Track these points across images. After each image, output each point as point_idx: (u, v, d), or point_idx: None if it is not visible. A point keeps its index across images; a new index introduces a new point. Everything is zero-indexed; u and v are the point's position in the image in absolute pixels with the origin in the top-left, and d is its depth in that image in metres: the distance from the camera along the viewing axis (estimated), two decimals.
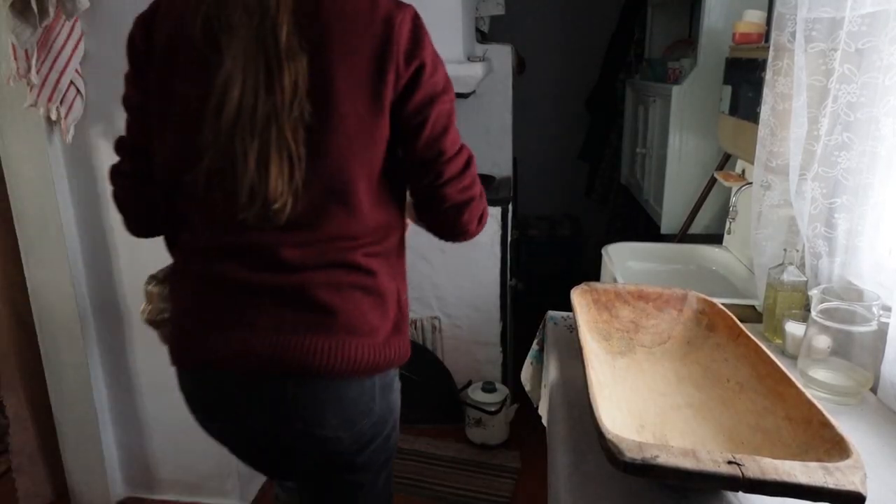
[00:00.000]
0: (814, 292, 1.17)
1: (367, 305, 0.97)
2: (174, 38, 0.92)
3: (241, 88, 0.85)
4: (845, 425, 0.86)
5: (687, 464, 0.73)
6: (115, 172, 1.08)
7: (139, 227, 1.14)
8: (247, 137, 0.86)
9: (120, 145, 1.07)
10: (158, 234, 1.14)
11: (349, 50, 0.89)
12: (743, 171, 1.93)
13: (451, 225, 1.04)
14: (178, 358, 1.02)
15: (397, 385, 1.11)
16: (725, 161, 2.12)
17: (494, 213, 2.44)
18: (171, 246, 1.07)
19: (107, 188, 1.88)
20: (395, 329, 1.01)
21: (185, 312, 1.01)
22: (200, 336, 0.96)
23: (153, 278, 1.33)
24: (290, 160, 0.87)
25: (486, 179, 2.74)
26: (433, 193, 0.99)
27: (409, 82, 0.93)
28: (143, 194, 1.05)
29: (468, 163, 1.01)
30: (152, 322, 1.31)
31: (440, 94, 0.97)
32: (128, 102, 1.02)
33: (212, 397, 1.01)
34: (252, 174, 0.86)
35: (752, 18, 1.76)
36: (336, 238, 0.94)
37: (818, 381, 1.11)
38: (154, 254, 1.90)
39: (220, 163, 0.88)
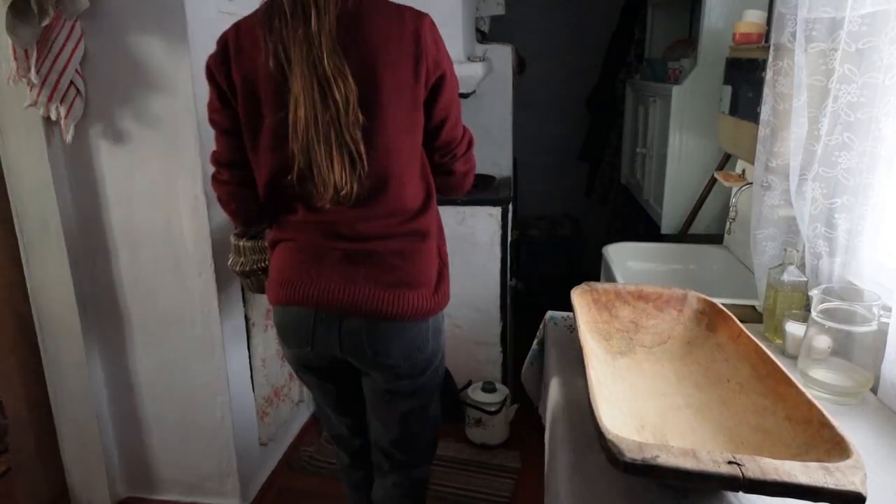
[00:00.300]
0: (814, 292, 1.17)
1: (421, 264, 1.28)
2: (254, 74, 1.17)
3: (305, 106, 1.11)
4: (845, 425, 0.86)
5: (687, 464, 0.73)
6: (215, 181, 1.34)
7: (240, 219, 1.41)
8: (316, 144, 1.13)
9: (215, 160, 1.32)
10: (259, 223, 1.42)
11: (391, 62, 1.16)
12: (743, 171, 1.93)
13: (456, 187, 1.40)
14: (277, 297, 1.30)
15: (445, 328, 1.42)
16: (725, 161, 2.12)
17: (494, 213, 2.44)
18: (274, 224, 1.33)
19: (107, 188, 1.90)
20: (440, 278, 1.33)
21: (288, 267, 1.29)
22: (297, 284, 1.26)
23: (243, 235, 1.66)
24: (351, 156, 1.14)
25: (486, 179, 2.74)
26: (447, 168, 1.34)
27: (436, 84, 1.22)
28: (240, 194, 1.32)
29: (470, 142, 1.37)
30: (244, 273, 1.65)
31: (456, 92, 1.28)
32: (218, 127, 1.28)
33: (300, 328, 1.30)
34: (323, 171, 1.14)
35: (753, 18, 1.76)
36: (394, 211, 1.24)
37: (818, 382, 1.11)
38: (154, 254, 1.91)
39: (305, 165, 1.15)
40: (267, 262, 1.59)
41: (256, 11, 1.19)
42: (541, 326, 1.49)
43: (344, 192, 1.15)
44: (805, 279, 1.31)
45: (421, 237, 1.27)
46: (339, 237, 1.24)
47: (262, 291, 1.68)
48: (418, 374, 1.35)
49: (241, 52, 1.18)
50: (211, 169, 1.34)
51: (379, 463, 1.51)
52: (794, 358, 1.21)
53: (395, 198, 1.23)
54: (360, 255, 1.24)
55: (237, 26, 1.22)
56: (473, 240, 2.46)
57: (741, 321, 1.13)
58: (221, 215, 1.92)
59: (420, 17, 1.19)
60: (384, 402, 1.40)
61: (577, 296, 1.24)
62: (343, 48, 1.12)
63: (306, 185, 1.18)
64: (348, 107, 1.11)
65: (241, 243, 1.64)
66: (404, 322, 1.26)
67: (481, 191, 2.59)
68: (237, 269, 1.66)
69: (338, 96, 1.10)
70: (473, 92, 2.43)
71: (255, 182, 1.28)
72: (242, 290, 2.09)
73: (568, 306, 1.25)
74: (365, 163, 1.15)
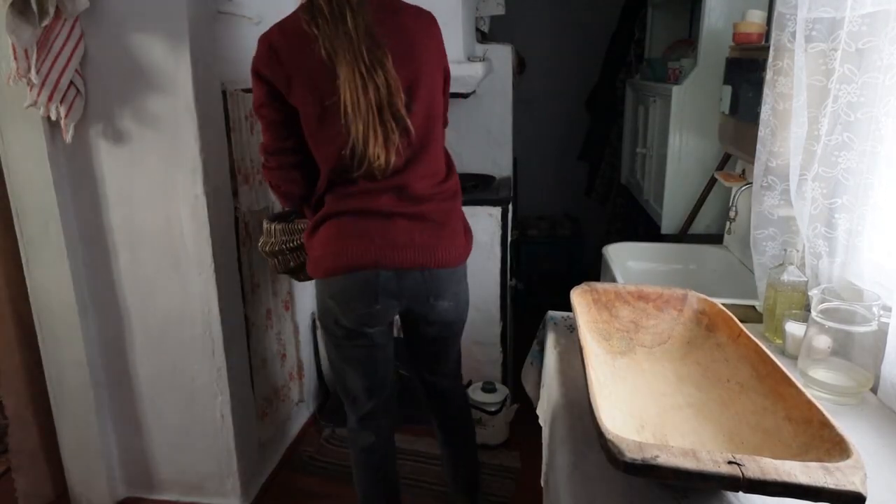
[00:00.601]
0: (814, 292, 1.17)
1: (455, 218, 1.55)
2: (306, 67, 1.35)
3: (349, 92, 1.31)
4: (845, 425, 0.86)
5: (687, 464, 0.73)
6: (265, 168, 1.52)
7: (289, 200, 1.59)
8: (356, 123, 1.33)
9: (263, 149, 1.50)
10: (305, 202, 1.57)
11: (425, 50, 1.43)
12: (743, 171, 1.93)
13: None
14: (336, 267, 1.46)
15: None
16: (725, 161, 2.12)
17: (494, 213, 2.44)
18: (327, 200, 1.48)
19: (107, 188, 1.90)
20: (466, 230, 1.61)
21: (345, 236, 1.45)
22: (358, 250, 1.44)
23: (275, 219, 1.79)
24: (386, 134, 1.35)
25: (486, 179, 2.74)
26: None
27: (445, 76, 1.53)
28: (289, 178, 1.51)
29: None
30: (272, 252, 1.77)
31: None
32: (265, 120, 1.45)
33: (366, 290, 1.47)
34: (370, 145, 1.34)
35: (753, 18, 1.76)
36: (433, 174, 1.49)
37: (818, 381, 1.11)
38: (154, 253, 1.91)
39: (357, 140, 1.34)
40: (296, 243, 1.73)
41: (296, 14, 1.38)
42: (541, 326, 1.49)
43: (378, 163, 1.36)
44: (805, 279, 1.31)
45: (452, 196, 1.54)
46: (392, 202, 1.45)
47: (287, 271, 1.80)
48: (463, 310, 1.66)
49: (291, 50, 1.36)
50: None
51: (435, 389, 1.80)
52: (794, 358, 1.21)
53: (433, 162, 1.49)
54: (412, 215, 1.46)
55: (281, 28, 1.40)
56: (473, 239, 2.45)
57: (741, 321, 1.13)
58: (221, 215, 1.93)
59: (431, 17, 1.46)
60: (434, 346, 1.70)
61: (577, 296, 1.24)
62: (384, 40, 1.33)
63: (360, 158, 1.36)
64: (389, 89, 1.33)
65: (272, 226, 1.76)
66: (453, 268, 1.54)
67: (481, 191, 2.59)
68: (266, 249, 1.78)
69: (378, 82, 1.32)
70: (473, 92, 2.42)
71: (301, 166, 1.48)
72: (242, 290, 2.09)
73: (568, 306, 1.25)
74: (412, 133, 1.39)
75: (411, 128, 1.38)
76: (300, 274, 1.83)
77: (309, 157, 1.47)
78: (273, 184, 1.54)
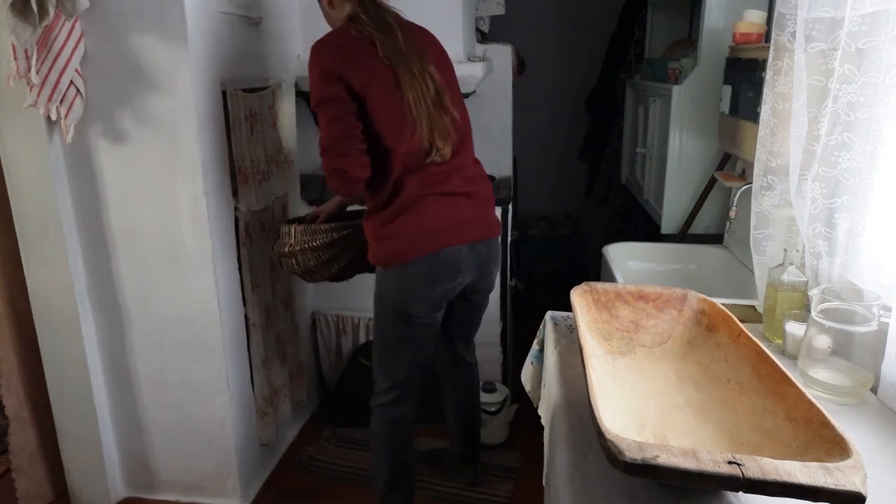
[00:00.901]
0: (814, 292, 1.17)
1: (492, 196, 1.82)
2: (373, 66, 1.58)
3: (410, 92, 1.59)
4: (845, 425, 0.86)
5: (687, 464, 0.73)
6: (336, 156, 1.60)
7: (357, 184, 1.66)
8: (420, 117, 1.60)
9: (335, 138, 1.60)
10: (361, 193, 1.72)
11: (447, 58, 1.77)
12: (743, 172, 1.94)
13: None
14: (429, 245, 1.65)
15: None
16: (725, 161, 2.12)
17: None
18: (387, 185, 1.66)
19: (107, 188, 1.90)
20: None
21: (431, 218, 1.65)
22: (445, 229, 1.66)
23: (293, 220, 1.95)
24: (444, 125, 1.64)
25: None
26: None
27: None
28: (362, 162, 1.61)
29: None
30: (292, 253, 1.88)
31: None
32: (338, 111, 1.58)
33: (454, 264, 1.69)
34: (426, 135, 1.62)
35: (753, 18, 1.76)
36: (475, 161, 1.79)
37: (818, 381, 1.11)
38: (154, 254, 1.91)
39: (422, 132, 1.61)
40: (318, 242, 1.86)
41: (344, 27, 1.64)
42: (541, 326, 1.49)
43: (449, 148, 1.64)
44: (805, 279, 1.31)
45: (486, 178, 1.82)
46: (457, 183, 1.68)
47: (305, 271, 1.92)
48: (495, 276, 1.90)
49: (356, 51, 1.58)
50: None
51: (463, 361, 2.05)
52: (794, 358, 1.21)
53: (471, 149, 1.79)
54: (470, 194, 1.71)
55: (337, 35, 1.63)
56: None
57: (741, 321, 1.13)
58: (221, 215, 1.93)
59: (433, 35, 1.77)
60: (476, 313, 1.95)
61: (577, 296, 1.24)
62: (424, 50, 1.64)
63: (428, 146, 1.62)
64: (438, 89, 1.63)
65: (292, 227, 1.88)
66: (497, 239, 1.82)
67: None
68: (285, 250, 1.88)
69: (430, 84, 1.61)
70: (473, 92, 2.42)
71: (368, 152, 1.61)
72: (242, 289, 2.09)
73: (568, 306, 1.25)
74: (458, 123, 1.68)
75: (458, 118, 1.68)
76: (316, 274, 1.95)
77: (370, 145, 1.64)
78: (341, 170, 1.60)
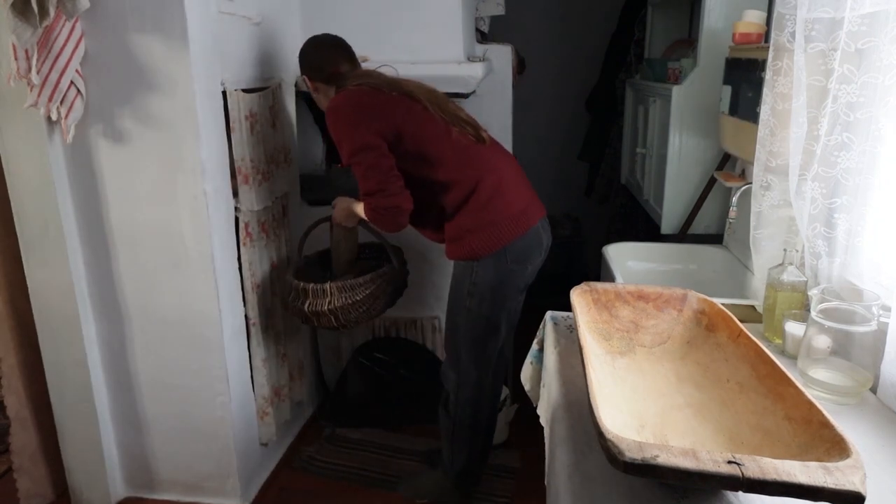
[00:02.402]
0: (814, 292, 1.17)
1: None
2: (391, 109, 1.80)
3: (423, 99, 1.85)
4: (845, 425, 0.86)
5: (687, 464, 0.73)
6: (390, 195, 1.76)
7: (405, 216, 1.81)
8: (443, 115, 1.85)
9: (386, 179, 1.76)
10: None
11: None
12: (743, 171, 1.94)
13: None
14: (518, 229, 1.81)
15: None
16: (725, 161, 2.12)
17: None
18: (445, 195, 1.84)
19: (107, 188, 1.90)
20: None
21: (508, 204, 1.82)
22: (524, 211, 1.84)
23: (304, 265, 2.13)
24: (459, 113, 1.90)
25: None
26: None
27: None
28: (407, 195, 1.79)
29: None
30: (332, 311, 1.97)
31: None
32: (371, 162, 1.75)
33: (538, 241, 1.88)
34: (454, 124, 1.86)
35: (752, 18, 1.76)
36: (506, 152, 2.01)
37: (818, 381, 1.11)
38: (154, 254, 1.91)
39: (460, 132, 1.87)
40: (360, 296, 1.99)
41: (366, 90, 1.83)
42: (541, 326, 1.49)
43: (479, 128, 1.90)
44: (805, 279, 1.31)
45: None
46: (508, 168, 1.89)
47: (340, 324, 2.03)
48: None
49: (388, 107, 1.81)
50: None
51: (504, 353, 2.12)
52: (793, 358, 1.22)
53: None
54: (522, 176, 1.93)
55: (354, 97, 1.82)
56: None
57: (741, 321, 1.13)
58: (221, 215, 1.93)
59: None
60: (522, 302, 2.04)
61: (577, 296, 1.24)
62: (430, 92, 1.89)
63: (461, 129, 1.85)
64: (433, 91, 1.89)
65: (328, 286, 1.97)
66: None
67: None
68: (325, 308, 1.96)
69: (427, 89, 1.88)
70: (473, 92, 2.42)
71: (402, 194, 1.76)
72: (242, 289, 2.09)
73: (568, 306, 1.25)
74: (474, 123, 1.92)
75: (474, 121, 1.93)
76: (354, 324, 2.05)
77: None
78: (394, 206, 1.76)
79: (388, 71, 1.97)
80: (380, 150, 1.74)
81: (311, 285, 1.98)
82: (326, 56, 1.91)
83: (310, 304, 1.97)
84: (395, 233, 1.88)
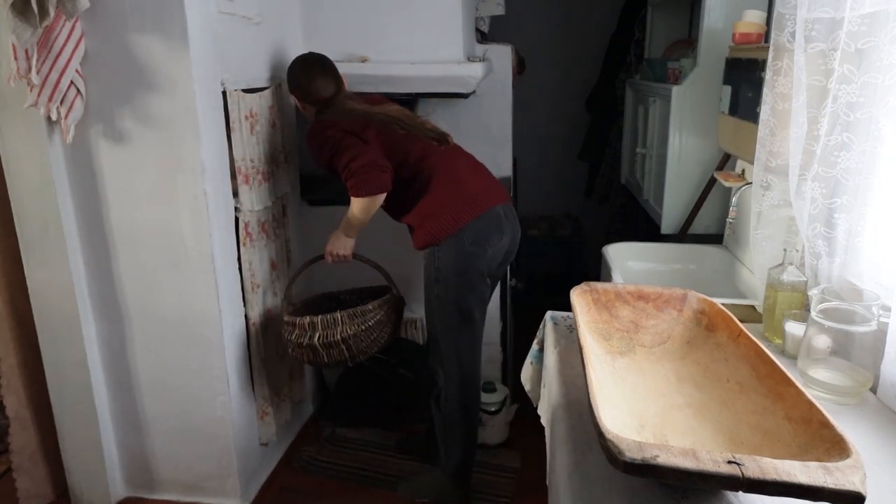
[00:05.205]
0: (814, 292, 1.17)
1: None
2: (358, 126, 1.92)
3: (402, 132, 1.96)
4: (845, 425, 0.86)
5: (687, 464, 0.73)
6: (389, 172, 1.87)
7: (388, 180, 1.88)
8: (401, 121, 1.96)
9: (378, 160, 1.86)
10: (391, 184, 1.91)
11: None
12: (743, 171, 1.94)
13: None
14: (475, 210, 1.89)
15: None
16: (725, 161, 2.12)
17: None
18: (405, 185, 1.94)
19: (107, 188, 1.90)
20: None
21: (465, 190, 1.92)
22: (481, 193, 1.93)
23: (308, 315, 2.02)
24: (419, 121, 2.01)
25: None
26: None
27: None
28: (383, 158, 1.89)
29: None
30: (344, 340, 1.98)
31: None
32: (349, 145, 1.87)
33: (499, 222, 1.94)
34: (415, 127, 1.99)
35: (752, 18, 1.76)
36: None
37: (818, 381, 1.11)
38: (154, 253, 1.91)
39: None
40: (372, 322, 2.01)
41: (352, 123, 1.92)
42: (541, 326, 1.49)
43: (442, 132, 1.98)
44: (805, 279, 1.31)
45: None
46: (466, 162, 2.00)
47: (351, 355, 2.03)
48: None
49: (378, 137, 1.91)
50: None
51: None
52: (793, 358, 1.22)
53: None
54: (481, 167, 2.03)
55: (324, 124, 1.94)
56: None
57: (741, 321, 1.13)
58: (221, 215, 1.93)
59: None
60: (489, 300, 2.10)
61: (577, 296, 1.24)
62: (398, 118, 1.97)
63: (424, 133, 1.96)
64: (420, 124, 1.99)
65: (338, 315, 1.98)
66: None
67: None
68: (337, 338, 1.97)
69: (417, 124, 1.98)
70: (473, 92, 2.42)
71: (379, 157, 1.85)
72: (242, 290, 2.09)
73: (568, 306, 1.25)
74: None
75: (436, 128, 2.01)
76: (364, 354, 2.04)
77: None
78: (370, 163, 1.82)
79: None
80: (356, 142, 1.88)
81: (320, 316, 1.99)
82: (313, 82, 2.00)
83: (320, 336, 1.98)
84: (382, 200, 1.89)
